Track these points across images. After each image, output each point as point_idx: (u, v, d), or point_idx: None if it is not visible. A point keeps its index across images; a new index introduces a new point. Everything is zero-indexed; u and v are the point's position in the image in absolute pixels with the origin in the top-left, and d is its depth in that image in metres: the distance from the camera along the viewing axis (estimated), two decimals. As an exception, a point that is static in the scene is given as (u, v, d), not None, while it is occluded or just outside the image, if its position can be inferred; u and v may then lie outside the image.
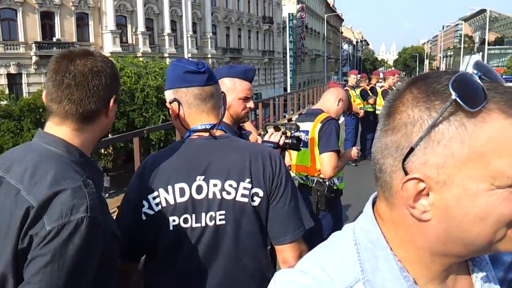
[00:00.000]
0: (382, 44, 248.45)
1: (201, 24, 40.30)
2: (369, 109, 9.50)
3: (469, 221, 0.57)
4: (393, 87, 9.56)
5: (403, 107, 0.60)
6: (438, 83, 0.58)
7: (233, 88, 2.07)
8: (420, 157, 0.57)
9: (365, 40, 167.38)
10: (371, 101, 9.43)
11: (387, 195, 0.63)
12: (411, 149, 0.57)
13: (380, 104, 9.39)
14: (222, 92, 1.60)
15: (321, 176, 3.19)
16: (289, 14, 53.70)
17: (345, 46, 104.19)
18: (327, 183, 3.17)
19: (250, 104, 2.13)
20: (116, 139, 5.59)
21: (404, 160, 0.58)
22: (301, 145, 2.34)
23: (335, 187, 3.27)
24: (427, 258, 0.63)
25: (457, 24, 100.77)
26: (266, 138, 2.06)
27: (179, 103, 1.49)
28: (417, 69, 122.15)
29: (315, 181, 3.23)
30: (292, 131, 2.57)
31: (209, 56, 39.35)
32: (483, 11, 69.86)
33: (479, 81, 0.57)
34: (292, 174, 4.18)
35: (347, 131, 9.56)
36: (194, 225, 1.40)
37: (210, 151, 1.45)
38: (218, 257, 1.42)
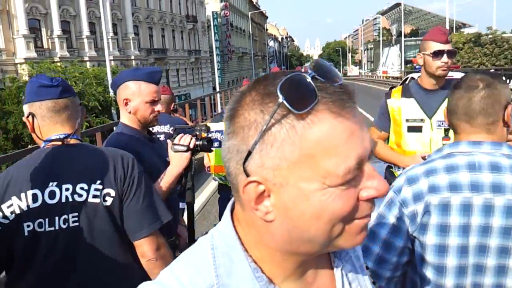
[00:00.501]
0: (306, 40, 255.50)
1: (122, 25, 39.01)
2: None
3: (306, 219, 0.58)
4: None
5: (242, 110, 0.60)
6: (273, 85, 0.58)
7: (138, 91, 2.02)
8: (257, 160, 0.58)
9: (290, 37, 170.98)
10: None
11: (237, 197, 0.64)
12: (249, 153, 0.58)
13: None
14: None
15: None
16: (213, 12, 53.45)
17: (271, 43, 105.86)
18: None
19: (158, 107, 2.09)
20: (13, 156, 5.26)
21: (244, 163, 0.59)
22: (213, 146, 2.34)
23: None
24: (279, 257, 0.64)
25: (375, 18, 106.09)
26: (176, 141, 2.03)
27: (33, 116, 1.57)
28: (341, 62, 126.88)
29: None
30: (203, 133, 2.56)
31: (133, 57, 38.23)
32: (398, 4, 73.86)
33: (310, 82, 0.57)
34: (212, 175, 4.22)
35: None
36: (48, 228, 1.46)
37: (63, 158, 1.54)
38: (75, 258, 1.49)
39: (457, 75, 13.68)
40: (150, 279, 0.98)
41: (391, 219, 1.37)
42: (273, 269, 0.65)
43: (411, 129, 2.46)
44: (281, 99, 0.56)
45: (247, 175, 0.59)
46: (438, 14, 75.39)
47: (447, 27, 36.34)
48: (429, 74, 2.42)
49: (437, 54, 2.35)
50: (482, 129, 1.33)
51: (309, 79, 0.57)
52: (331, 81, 0.59)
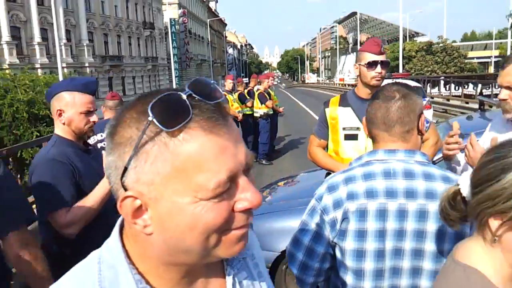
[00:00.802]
0: (265, 48, 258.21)
1: (76, 31, 37.98)
2: (247, 112, 9.64)
3: (181, 231, 0.61)
4: (269, 89, 9.94)
5: (120, 127, 0.62)
6: (148, 103, 0.60)
7: (72, 102, 1.98)
8: (133, 176, 0.61)
9: (249, 44, 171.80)
10: (249, 104, 9.57)
11: None
12: (125, 169, 0.61)
13: (257, 106, 9.63)
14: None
15: None
16: (170, 19, 53.03)
17: (230, 50, 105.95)
18: None
19: (94, 118, 2.06)
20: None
21: (121, 178, 0.61)
22: None
23: None
24: (162, 268, 0.67)
25: (332, 26, 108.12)
26: None
27: None
28: (299, 70, 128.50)
29: None
30: None
31: (87, 65, 37.29)
32: (354, 13, 76.01)
33: (185, 100, 0.59)
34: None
35: (227, 135, 9.64)
36: None
37: None
38: None
39: (411, 83, 14.25)
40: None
41: (313, 226, 1.41)
42: (158, 280, 0.68)
43: (347, 137, 2.50)
44: (151, 117, 0.58)
45: (125, 190, 0.62)
46: (393, 23, 77.83)
47: (401, 35, 37.51)
48: (365, 84, 2.49)
49: (371, 64, 2.42)
50: (398, 137, 1.40)
51: (184, 97, 0.60)
52: (209, 98, 0.61)
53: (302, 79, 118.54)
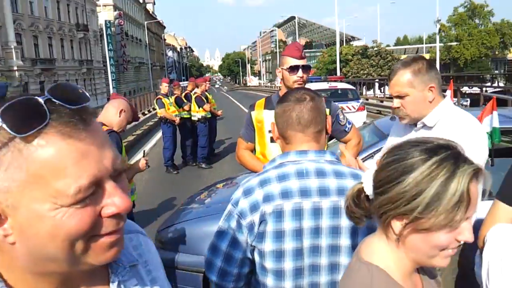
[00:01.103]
0: (206, 51, 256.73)
1: (2, 33, 35.59)
2: (185, 116, 9.46)
3: (44, 239, 0.59)
4: (206, 93, 9.73)
5: None
6: None
7: None
8: None
9: (189, 47, 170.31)
10: (186, 107, 9.39)
11: None
12: None
13: (195, 110, 9.44)
14: None
15: None
16: (105, 21, 51.23)
17: (170, 53, 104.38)
18: None
19: None
20: None
21: None
22: None
23: None
24: (31, 278, 0.65)
25: (272, 30, 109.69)
26: None
27: None
28: (241, 73, 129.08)
29: None
30: None
31: (15, 68, 35.05)
32: (292, 18, 77.46)
33: (42, 104, 0.58)
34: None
35: (164, 140, 9.35)
36: None
37: None
38: None
39: (345, 85, 14.56)
40: None
41: (231, 231, 1.43)
42: None
43: (273, 139, 2.45)
44: (0, 123, 0.56)
45: None
46: (330, 28, 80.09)
47: (338, 40, 38.59)
48: (287, 88, 2.51)
49: (293, 69, 2.51)
50: (312, 137, 1.47)
51: (41, 102, 0.58)
52: (70, 103, 0.60)
53: (243, 82, 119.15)
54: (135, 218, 3.46)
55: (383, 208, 0.95)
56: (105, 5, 55.82)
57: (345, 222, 1.38)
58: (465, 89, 19.48)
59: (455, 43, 53.80)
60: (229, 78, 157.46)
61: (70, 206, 0.59)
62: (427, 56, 62.39)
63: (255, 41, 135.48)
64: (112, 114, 3.24)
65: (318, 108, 1.47)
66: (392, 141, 2.16)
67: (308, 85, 10.25)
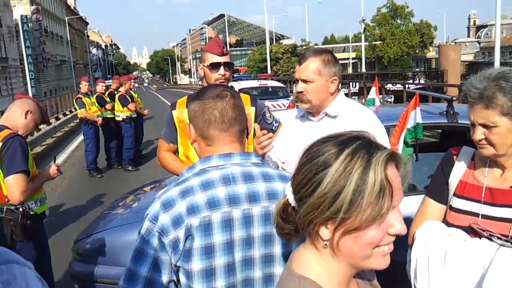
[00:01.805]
0: (133, 48, 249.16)
1: None
2: (108, 116, 8.97)
3: None
4: (130, 91, 9.29)
5: None
6: None
7: None
8: None
9: (115, 44, 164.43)
10: (108, 107, 8.91)
11: None
12: None
13: (119, 110, 8.98)
14: None
15: (11, 202, 2.76)
16: (22, 16, 47.65)
17: (94, 51, 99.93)
18: (20, 209, 2.76)
19: None
20: None
21: None
22: None
23: (32, 212, 2.86)
24: None
25: (202, 28, 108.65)
26: None
27: None
28: (171, 71, 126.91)
29: (4, 210, 2.75)
30: None
31: None
32: (222, 16, 77.06)
33: None
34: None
35: (86, 142, 8.80)
36: None
37: None
38: None
39: (272, 83, 14.67)
40: None
41: (151, 252, 1.24)
42: None
43: None
44: None
45: None
46: (260, 26, 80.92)
47: (267, 38, 39.00)
48: None
49: (214, 66, 2.38)
50: (237, 137, 1.36)
51: None
52: None
53: (174, 80, 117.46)
54: (45, 229, 3.12)
55: (308, 216, 0.89)
56: (20, -1, 52.10)
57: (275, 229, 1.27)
58: (389, 86, 20.43)
59: (379, 42, 56.67)
60: (158, 76, 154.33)
61: None
62: (353, 54, 65.57)
63: (185, 39, 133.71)
64: (16, 115, 2.89)
65: (240, 105, 1.37)
66: (289, 132, 2.29)
67: (238, 83, 10.21)
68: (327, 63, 2.09)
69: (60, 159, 11.42)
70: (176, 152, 2.57)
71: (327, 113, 2.14)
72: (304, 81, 2.10)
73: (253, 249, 1.27)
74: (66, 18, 65.10)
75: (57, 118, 17.81)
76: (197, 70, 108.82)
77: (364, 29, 48.03)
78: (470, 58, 65.62)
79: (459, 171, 1.64)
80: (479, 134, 1.48)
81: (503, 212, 1.50)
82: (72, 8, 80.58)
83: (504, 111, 1.43)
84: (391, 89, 20.38)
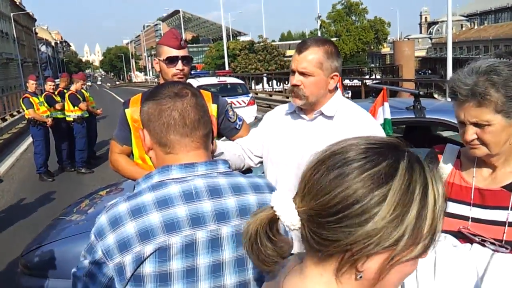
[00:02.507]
0: (85, 45, 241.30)
1: None
2: (59, 116, 8.51)
3: None
4: (82, 90, 8.84)
5: None
6: None
7: None
8: None
9: (65, 41, 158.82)
10: (58, 106, 8.45)
11: None
12: None
13: (69, 109, 8.52)
14: None
15: None
16: (-38, 11, 45.08)
17: (43, 48, 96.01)
18: None
19: None
20: None
21: None
22: None
23: None
24: None
25: (156, 24, 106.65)
26: None
27: None
28: (125, 68, 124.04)
29: None
30: None
31: None
32: (177, 12, 75.73)
33: None
34: None
35: (35, 144, 8.32)
36: None
37: None
38: None
39: (230, 80, 14.48)
40: None
41: (95, 272, 1.07)
42: None
43: None
44: None
45: None
46: (216, 22, 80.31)
47: (224, 34, 38.63)
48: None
49: (172, 60, 2.18)
50: (201, 142, 1.17)
51: None
52: None
53: (128, 78, 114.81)
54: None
55: (346, 246, 0.67)
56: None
57: None
58: (346, 81, 20.77)
59: (335, 39, 57.67)
60: (112, 74, 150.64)
61: None
62: (309, 51, 66.23)
63: (139, 35, 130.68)
64: None
65: (203, 105, 1.19)
66: (273, 127, 2.05)
67: (196, 80, 9.89)
68: (330, 56, 1.85)
69: (7, 162, 10.81)
70: (130, 154, 2.37)
71: (323, 113, 1.91)
72: (302, 73, 1.85)
73: (223, 277, 1.10)
74: (12, 14, 62.07)
75: (4, 119, 17.15)
76: (152, 67, 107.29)
77: (320, 25, 48.68)
78: (423, 53, 67.82)
79: (445, 171, 1.52)
80: (470, 134, 1.35)
81: (494, 215, 1.39)
82: (17, 3, 76.92)
83: (498, 108, 1.30)
84: (348, 84, 20.70)
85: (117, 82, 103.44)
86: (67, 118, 8.61)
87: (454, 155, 1.54)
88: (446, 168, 1.53)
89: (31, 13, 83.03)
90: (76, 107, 8.48)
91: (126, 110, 2.31)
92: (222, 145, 2.01)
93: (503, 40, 52.68)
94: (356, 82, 19.49)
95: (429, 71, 62.56)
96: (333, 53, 1.87)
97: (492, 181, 1.43)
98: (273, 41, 62.70)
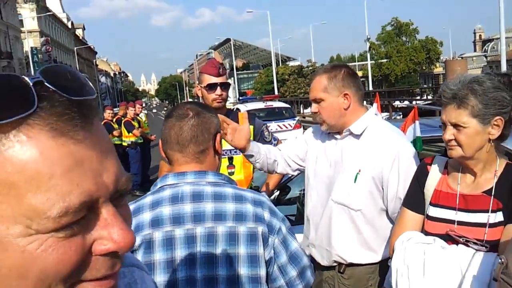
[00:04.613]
0: (141, 75, 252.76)
1: None
2: (116, 142, 8.99)
3: (4, 278, 0.41)
4: (138, 116, 9.37)
5: None
6: None
7: None
8: None
9: (123, 72, 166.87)
10: (115, 133, 9.00)
11: None
12: None
13: (125, 135, 9.04)
14: None
15: None
16: (32, 48, 48.86)
17: (103, 79, 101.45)
18: None
19: None
20: None
21: None
22: None
23: None
24: None
25: (208, 53, 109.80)
26: None
27: None
28: (179, 96, 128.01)
29: None
30: None
31: None
32: (228, 40, 77.82)
33: (30, 87, 0.42)
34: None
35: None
36: None
37: None
38: None
39: (277, 104, 14.70)
40: None
41: None
42: None
43: None
44: None
45: None
46: (266, 49, 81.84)
47: (273, 60, 39.34)
48: None
49: (211, 87, 2.45)
50: (192, 158, 1.35)
51: (28, 83, 0.42)
52: (69, 92, 0.44)
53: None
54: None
55: None
56: (30, 32, 53.30)
57: (221, 251, 1.29)
58: (397, 103, 20.48)
59: (385, 60, 56.76)
60: (167, 102, 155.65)
61: (50, 234, 0.41)
62: (360, 73, 65.44)
63: (192, 64, 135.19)
64: None
65: (202, 125, 1.35)
66: (313, 149, 2.18)
67: (244, 105, 10.20)
68: (334, 78, 1.95)
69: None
70: None
71: (351, 131, 1.99)
72: (315, 100, 2.00)
73: (195, 269, 1.27)
74: (75, 48, 66.54)
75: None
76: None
77: (370, 47, 48.21)
78: (478, 72, 65.05)
79: (433, 180, 1.68)
80: (449, 134, 1.52)
81: (477, 218, 1.54)
82: (80, 38, 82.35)
83: (474, 113, 1.46)
84: (399, 106, 20.37)
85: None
86: (123, 144, 9.09)
87: (442, 165, 1.70)
88: (435, 178, 1.68)
89: (92, 47, 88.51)
90: (130, 133, 8.97)
91: None
92: (262, 148, 2.15)
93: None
94: (407, 103, 19.16)
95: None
96: (338, 75, 1.96)
97: (474, 187, 1.58)
98: (322, 64, 62.78)
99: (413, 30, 57.75)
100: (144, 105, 12.85)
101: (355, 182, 1.95)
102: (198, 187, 1.32)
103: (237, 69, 68.02)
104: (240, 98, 22.00)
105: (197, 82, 2.58)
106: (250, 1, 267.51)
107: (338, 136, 2.05)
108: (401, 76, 55.87)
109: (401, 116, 18.36)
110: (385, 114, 17.18)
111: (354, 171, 1.96)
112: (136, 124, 9.05)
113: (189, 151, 1.34)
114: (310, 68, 49.43)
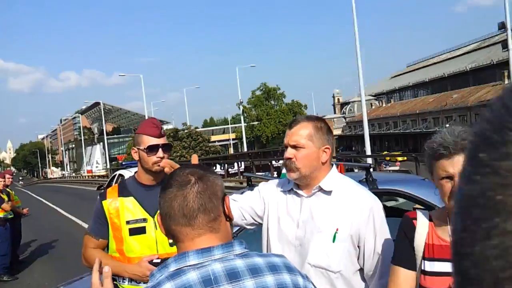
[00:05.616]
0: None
1: None
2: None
3: None
4: (7, 188, 8.20)
5: None
6: None
7: None
8: None
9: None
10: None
11: None
12: None
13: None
14: None
15: None
16: None
17: None
18: None
19: None
20: None
21: None
22: None
23: None
24: None
25: (74, 117, 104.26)
26: None
27: None
28: (40, 165, 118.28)
29: None
30: None
31: None
32: (97, 104, 74.99)
33: None
34: None
35: None
36: None
37: None
38: None
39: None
40: None
41: None
42: None
43: (133, 231, 2.22)
44: None
45: None
46: (138, 112, 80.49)
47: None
48: (146, 170, 2.30)
49: (152, 149, 2.24)
50: (205, 229, 1.15)
51: None
52: None
53: (43, 174, 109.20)
54: None
55: None
56: None
57: None
58: (273, 163, 21.58)
59: (256, 122, 60.02)
60: (25, 171, 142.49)
61: None
62: (233, 135, 68.21)
63: (55, 129, 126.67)
64: None
65: (208, 189, 1.16)
66: (273, 209, 2.03)
67: (128, 171, 9.63)
68: (320, 130, 1.93)
69: None
70: (105, 248, 2.32)
71: (321, 188, 1.93)
72: (294, 146, 1.91)
73: None
74: None
75: None
76: (70, 161, 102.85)
77: (242, 111, 50.65)
78: (339, 132, 72.38)
79: (422, 234, 1.66)
80: (447, 187, 1.51)
81: None
82: None
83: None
84: (274, 165, 21.39)
85: (35, 179, 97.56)
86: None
87: (426, 218, 1.68)
88: (423, 232, 1.66)
89: None
90: (-1, 208, 7.78)
91: (104, 202, 2.29)
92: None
93: (409, 115, 58.20)
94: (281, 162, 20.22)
95: (346, 148, 66.59)
96: (323, 128, 1.95)
97: None
98: (196, 127, 63.93)
99: (281, 94, 62.89)
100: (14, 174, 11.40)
101: (333, 241, 1.86)
102: (228, 263, 1.14)
103: (107, 134, 65.42)
104: (123, 163, 20.90)
105: (134, 143, 2.37)
106: (118, 65, 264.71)
107: (303, 194, 1.96)
108: (271, 137, 59.38)
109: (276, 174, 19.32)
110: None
111: (331, 230, 1.87)
112: (5, 197, 7.85)
113: (200, 222, 1.14)
114: (186, 131, 49.84)
